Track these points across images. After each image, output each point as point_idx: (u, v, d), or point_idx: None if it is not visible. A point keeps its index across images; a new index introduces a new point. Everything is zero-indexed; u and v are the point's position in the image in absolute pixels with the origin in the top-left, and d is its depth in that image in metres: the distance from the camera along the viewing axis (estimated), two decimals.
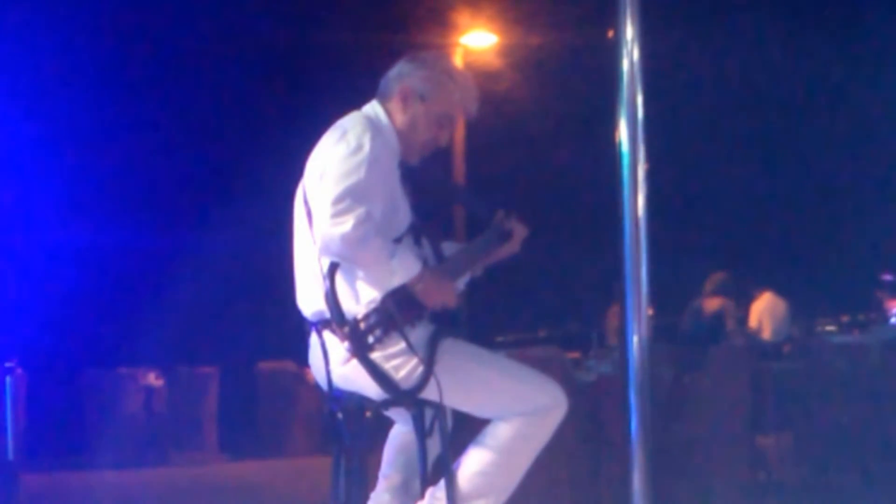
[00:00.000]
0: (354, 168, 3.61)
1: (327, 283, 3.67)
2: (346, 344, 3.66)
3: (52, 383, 11.18)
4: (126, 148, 15.09)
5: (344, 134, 3.72)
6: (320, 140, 3.83)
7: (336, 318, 3.66)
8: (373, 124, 3.79)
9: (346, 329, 3.64)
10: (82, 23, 13.97)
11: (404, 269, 3.63)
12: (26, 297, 10.91)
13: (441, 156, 4.08)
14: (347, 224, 3.53)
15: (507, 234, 3.96)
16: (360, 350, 3.63)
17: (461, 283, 3.98)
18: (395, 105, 3.88)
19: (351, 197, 3.56)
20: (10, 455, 7.93)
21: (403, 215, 3.82)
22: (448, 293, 3.71)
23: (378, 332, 3.62)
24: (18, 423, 8.41)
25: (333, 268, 3.67)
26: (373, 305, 3.63)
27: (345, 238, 3.53)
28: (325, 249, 3.63)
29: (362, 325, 3.62)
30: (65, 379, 11.53)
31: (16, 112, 12.06)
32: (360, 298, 3.66)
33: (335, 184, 3.58)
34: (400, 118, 3.87)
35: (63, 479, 9.87)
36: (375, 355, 3.66)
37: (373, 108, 3.91)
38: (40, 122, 13.18)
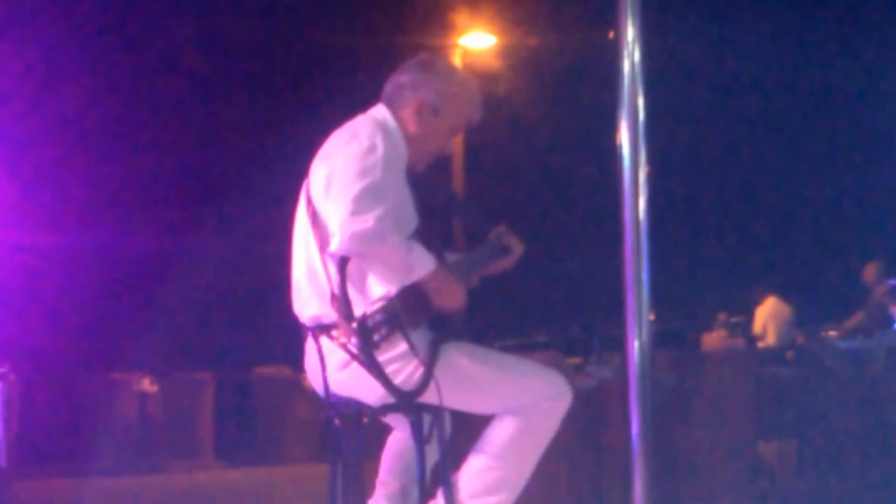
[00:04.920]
0: (371, 167, 3.62)
1: (338, 279, 3.64)
2: (354, 340, 3.63)
3: (45, 389, 11.17)
4: (123, 152, 15.10)
5: (356, 135, 3.72)
6: (327, 142, 3.82)
7: (345, 316, 3.63)
8: (383, 127, 3.79)
9: (354, 326, 3.62)
10: (81, 23, 13.96)
11: (422, 263, 3.63)
12: (20, 302, 10.87)
13: (441, 159, 4.07)
14: (369, 221, 3.53)
15: (505, 249, 4.00)
16: (365, 349, 3.60)
17: None
18: (407, 115, 3.88)
19: (370, 194, 3.56)
20: (3, 462, 7.88)
21: (410, 219, 3.80)
22: (458, 295, 3.71)
23: (383, 330, 3.61)
24: (11, 430, 8.37)
25: (344, 265, 3.64)
26: (380, 304, 3.62)
27: (367, 234, 3.53)
28: (342, 247, 3.59)
29: (369, 323, 3.61)
30: (58, 384, 11.51)
31: (13, 112, 12.04)
32: (371, 296, 3.65)
33: (354, 182, 3.58)
34: (412, 128, 3.88)
35: (56, 485, 9.84)
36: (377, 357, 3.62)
37: (380, 111, 3.90)
38: (37, 123, 13.16)
